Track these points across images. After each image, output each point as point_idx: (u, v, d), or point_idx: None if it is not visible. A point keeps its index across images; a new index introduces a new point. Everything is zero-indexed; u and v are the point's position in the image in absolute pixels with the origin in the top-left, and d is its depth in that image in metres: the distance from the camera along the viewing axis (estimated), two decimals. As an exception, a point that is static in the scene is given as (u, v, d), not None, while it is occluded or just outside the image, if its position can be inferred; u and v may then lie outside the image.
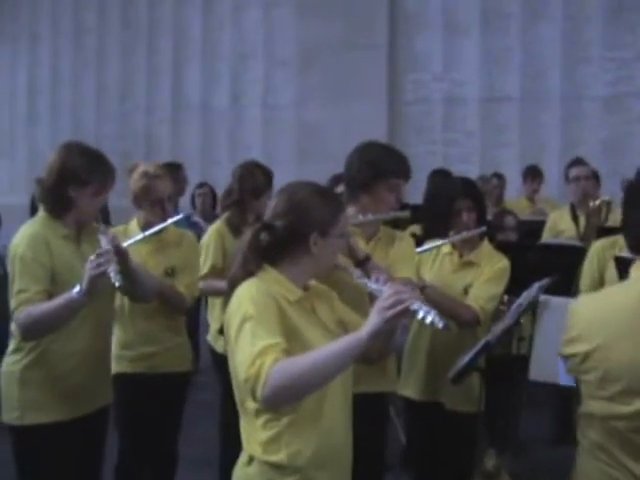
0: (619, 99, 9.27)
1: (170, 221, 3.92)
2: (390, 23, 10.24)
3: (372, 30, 10.18)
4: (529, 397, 5.33)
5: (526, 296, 3.51)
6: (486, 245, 3.98)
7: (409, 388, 3.96)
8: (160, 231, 3.88)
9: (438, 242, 3.91)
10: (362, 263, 3.03)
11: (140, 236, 3.81)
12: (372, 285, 2.47)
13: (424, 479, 4.06)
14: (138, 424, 3.91)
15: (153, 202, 3.90)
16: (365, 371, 2.89)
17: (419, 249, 3.87)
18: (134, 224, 3.98)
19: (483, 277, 3.84)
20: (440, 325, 2.19)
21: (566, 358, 2.52)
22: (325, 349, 2.22)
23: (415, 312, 2.21)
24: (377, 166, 3.37)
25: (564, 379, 3.34)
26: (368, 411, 3.00)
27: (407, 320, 3.82)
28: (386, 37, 10.22)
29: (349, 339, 2.22)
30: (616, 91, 9.28)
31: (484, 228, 3.91)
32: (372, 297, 2.39)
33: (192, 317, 7.45)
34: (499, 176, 8.15)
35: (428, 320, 2.20)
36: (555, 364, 3.12)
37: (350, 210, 3.24)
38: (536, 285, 3.49)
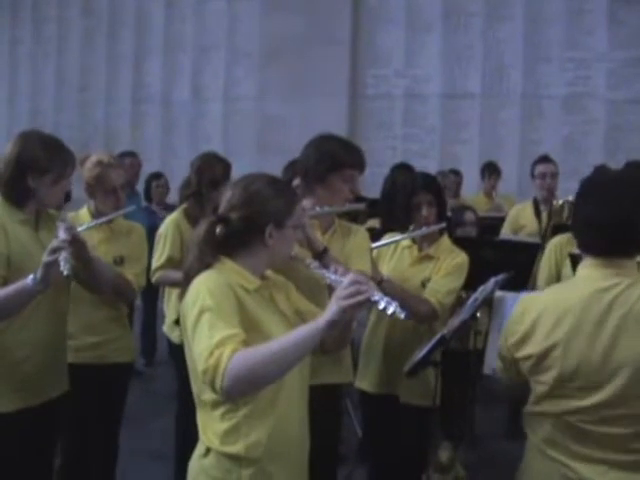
0: (577, 99, 9.39)
1: (123, 210, 3.93)
2: (353, 18, 10.26)
3: (334, 25, 10.18)
4: (484, 391, 5.39)
5: (482, 291, 3.53)
6: (445, 240, 4.00)
7: (365, 381, 3.97)
8: (111, 220, 3.89)
9: (397, 237, 3.92)
10: (320, 255, 3.03)
11: (93, 223, 3.80)
12: (331, 276, 2.47)
13: (379, 472, 4.06)
14: (80, 415, 3.87)
15: (107, 191, 3.89)
16: (320, 363, 2.90)
17: (377, 243, 3.88)
18: (84, 212, 3.97)
19: (441, 272, 3.85)
20: (402, 315, 2.20)
21: (516, 362, 2.55)
22: (284, 338, 2.22)
23: (376, 302, 2.21)
24: (332, 158, 3.36)
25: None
26: (323, 403, 3.00)
27: (364, 313, 3.87)
28: (348, 32, 10.24)
29: (307, 327, 2.22)
30: (575, 91, 9.39)
31: (444, 224, 3.92)
32: (331, 288, 2.39)
33: (150, 309, 7.45)
34: (456, 172, 8.22)
35: (390, 311, 2.19)
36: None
37: (306, 202, 3.24)
38: (492, 280, 3.52)
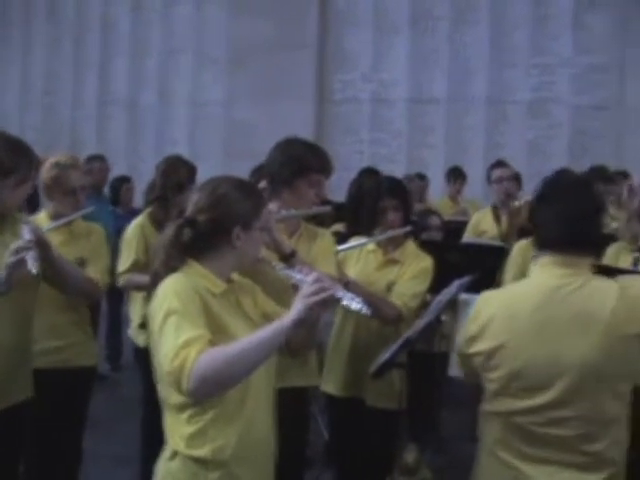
0: (542, 104, 9.50)
1: (83, 212, 3.90)
2: (320, 22, 10.29)
3: (302, 29, 10.21)
4: (451, 394, 5.41)
5: (446, 293, 3.56)
6: (410, 244, 4.02)
7: (331, 384, 3.97)
8: (71, 222, 3.86)
9: (363, 240, 3.93)
10: (288, 258, 3.03)
11: (53, 225, 3.76)
12: (297, 276, 2.48)
13: (346, 475, 4.07)
14: (43, 419, 3.83)
15: (65, 192, 3.84)
16: (287, 366, 2.90)
17: (343, 246, 3.89)
18: (42, 215, 3.92)
19: (407, 275, 3.87)
20: (365, 311, 2.23)
21: (468, 357, 2.59)
22: (249, 338, 2.23)
23: (340, 299, 2.24)
24: (299, 162, 3.38)
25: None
26: (290, 406, 3.00)
27: (331, 315, 3.88)
28: (316, 36, 10.27)
29: (273, 327, 2.24)
30: (539, 96, 9.50)
31: (409, 228, 3.94)
32: (296, 288, 2.40)
33: (115, 313, 7.40)
34: (422, 176, 8.25)
35: (354, 306, 2.23)
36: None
37: (272, 206, 3.24)
38: (456, 282, 3.54)
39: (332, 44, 10.32)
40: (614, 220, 5.97)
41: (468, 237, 5.89)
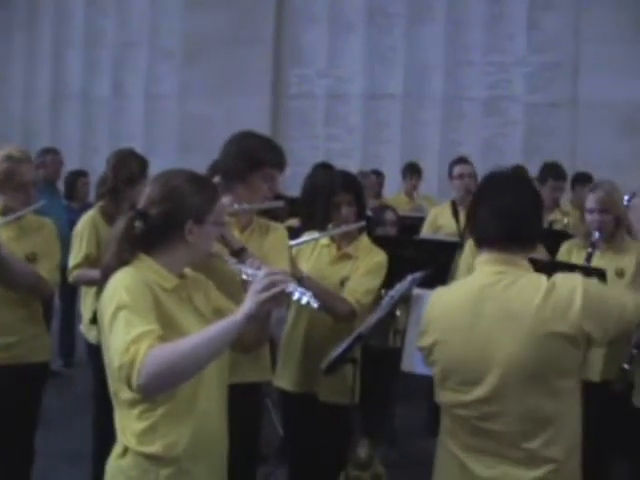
0: (497, 102, 9.59)
1: (34, 206, 3.84)
2: (276, 17, 10.27)
3: (257, 24, 10.17)
4: (405, 388, 5.43)
5: (398, 288, 3.56)
6: (364, 239, 4.02)
7: (284, 380, 3.95)
8: (20, 217, 3.78)
9: (316, 235, 3.93)
10: (238, 253, 3.01)
11: (2, 221, 3.70)
12: (247, 270, 2.47)
13: (300, 471, 4.05)
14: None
15: (16, 187, 3.77)
16: (239, 361, 2.88)
17: (296, 241, 3.88)
18: None
19: (360, 270, 3.86)
20: (315, 305, 2.22)
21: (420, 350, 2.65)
22: (200, 334, 2.21)
23: (290, 294, 2.23)
24: (252, 156, 3.35)
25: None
26: (243, 402, 2.98)
27: (283, 310, 3.86)
28: (271, 31, 10.25)
29: (224, 323, 2.22)
30: (494, 94, 9.59)
31: (363, 223, 3.94)
32: (247, 283, 2.38)
33: (68, 308, 7.31)
34: (378, 172, 8.26)
35: (304, 301, 2.22)
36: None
37: (225, 200, 3.22)
38: (409, 278, 3.54)
39: (288, 39, 10.31)
40: (566, 216, 6.06)
41: (425, 232, 5.92)
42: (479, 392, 2.43)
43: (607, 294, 2.56)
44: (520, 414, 2.41)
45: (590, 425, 3.96)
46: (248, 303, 2.21)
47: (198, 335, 2.21)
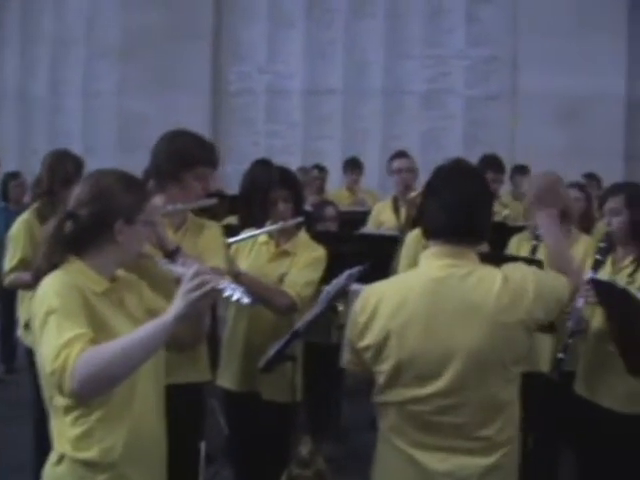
0: (436, 95, 9.67)
1: None
2: (214, 13, 10.20)
3: (197, 20, 10.09)
4: (351, 384, 5.44)
5: (335, 284, 3.56)
6: (303, 235, 4.01)
7: (227, 379, 3.95)
8: None
9: (254, 232, 3.91)
10: (172, 254, 2.97)
11: None
12: (178, 270, 2.45)
13: (245, 470, 4.05)
14: None
15: None
16: (177, 362, 2.85)
17: (234, 238, 3.86)
18: None
19: (299, 264, 3.87)
20: (246, 301, 2.21)
21: (359, 351, 2.58)
22: (131, 335, 2.19)
23: (221, 291, 2.21)
24: (185, 155, 3.31)
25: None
26: (182, 402, 2.96)
27: (225, 309, 3.83)
28: (211, 27, 10.18)
29: (155, 324, 2.20)
30: (434, 87, 9.66)
31: (300, 219, 3.93)
32: (180, 283, 2.36)
33: (8, 313, 7.17)
34: (320, 168, 8.27)
35: (235, 297, 2.21)
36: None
37: (158, 200, 3.18)
38: (346, 273, 3.54)
39: (227, 35, 10.25)
40: (506, 208, 6.12)
41: (369, 228, 5.92)
42: (437, 386, 2.44)
43: (550, 282, 2.61)
44: (480, 403, 2.44)
45: (534, 413, 4.07)
46: (178, 303, 2.20)
47: (129, 337, 2.19)
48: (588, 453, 3.85)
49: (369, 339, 2.54)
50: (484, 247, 4.27)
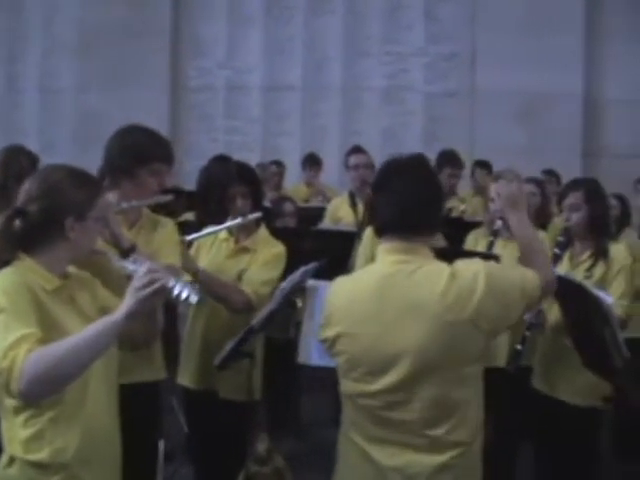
0: (396, 91, 9.69)
1: None
2: (173, 8, 10.11)
3: (155, 15, 9.99)
4: (311, 379, 5.43)
5: (290, 280, 3.55)
6: (262, 231, 4.00)
7: (186, 377, 3.95)
8: None
9: (214, 228, 3.89)
10: (127, 252, 2.94)
11: None
12: (129, 267, 2.42)
13: (204, 468, 4.04)
14: None
15: None
16: (131, 361, 2.83)
17: (193, 235, 3.83)
18: None
19: (258, 262, 3.86)
20: (194, 299, 2.20)
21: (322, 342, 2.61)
22: (80, 335, 2.16)
23: (171, 289, 2.19)
24: (139, 151, 3.26)
25: (315, 360, 3.44)
26: (139, 401, 2.94)
27: (184, 307, 3.80)
28: (170, 23, 10.08)
29: (104, 322, 2.18)
30: (393, 84, 9.69)
31: (259, 214, 3.91)
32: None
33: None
34: (278, 163, 8.25)
35: (183, 295, 2.20)
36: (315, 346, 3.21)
37: (112, 196, 3.14)
38: (301, 269, 3.52)
39: (186, 31, 10.16)
40: (463, 203, 6.16)
41: (326, 224, 5.91)
42: (386, 381, 2.42)
43: (508, 277, 2.53)
44: (427, 402, 2.41)
45: (493, 408, 4.09)
46: (128, 301, 2.17)
47: (79, 336, 2.16)
48: (547, 446, 3.89)
49: (327, 332, 2.56)
50: (441, 241, 4.32)
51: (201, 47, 10.15)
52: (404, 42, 9.70)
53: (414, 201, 2.51)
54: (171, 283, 2.19)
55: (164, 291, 2.20)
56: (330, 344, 2.55)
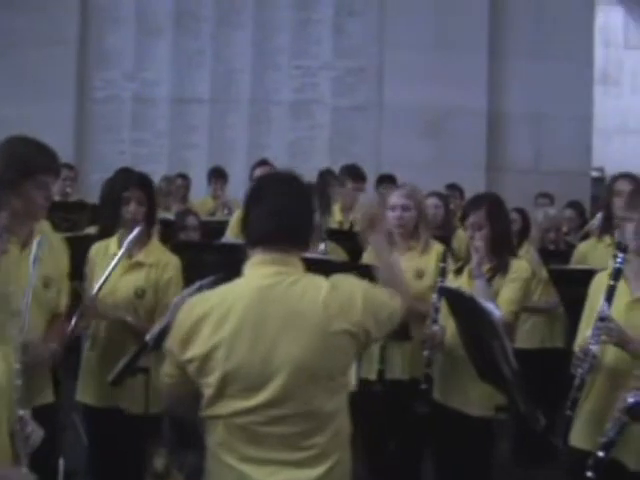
0: (304, 105, 9.76)
1: None
2: (81, 18, 9.93)
3: (61, 25, 9.79)
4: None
5: (185, 294, 3.51)
6: (155, 243, 3.96)
7: (85, 394, 3.90)
8: None
9: (110, 266, 3.67)
10: None
11: None
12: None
13: (104, 484, 3.98)
14: None
15: None
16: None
17: (96, 286, 3.65)
18: None
19: (167, 282, 3.84)
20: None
21: (183, 364, 2.51)
22: None
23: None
24: (23, 163, 3.12)
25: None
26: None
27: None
28: (76, 33, 9.90)
29: None
30: (301, 97, 9.75)
31: (139, 228, 3.76)
32: None
33: None
34: (184, 176, 8.20)
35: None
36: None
37: (3, 216, 3.03)
38: (197, 283, 3.48)
39: (93, 41, 9.99)
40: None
41: (228, 237, 5.88)
42: (262, 397, 2.40)
43: (380, 296, 2.62)
44: (306, 414, 2.42)
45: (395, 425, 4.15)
46: None
47: None
48: (445, 455, 3.98)
49: (193, 350, 2.46)
50: (341, 255, 4.37)
51: (108, 58, 9.99)
52: (313, 56, 9.78)
53: (292, 213, 2.54)
54: None
55: None
56: (200, 362, 2.45)
